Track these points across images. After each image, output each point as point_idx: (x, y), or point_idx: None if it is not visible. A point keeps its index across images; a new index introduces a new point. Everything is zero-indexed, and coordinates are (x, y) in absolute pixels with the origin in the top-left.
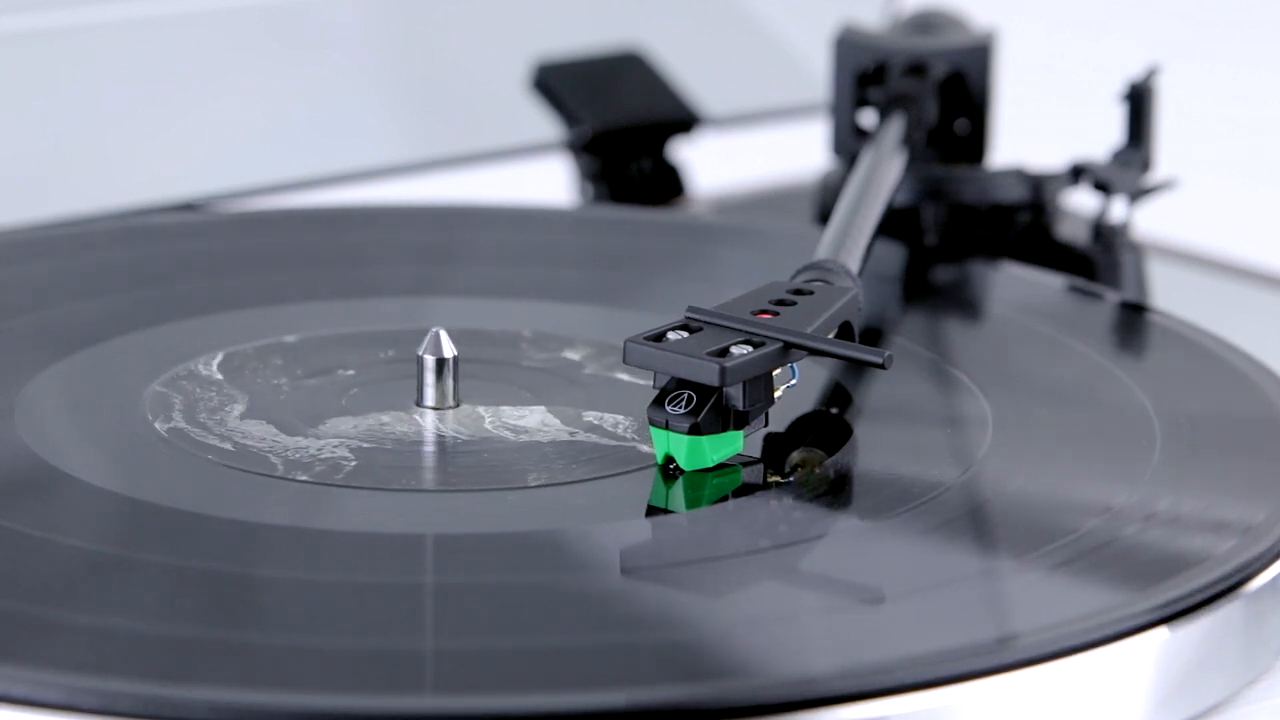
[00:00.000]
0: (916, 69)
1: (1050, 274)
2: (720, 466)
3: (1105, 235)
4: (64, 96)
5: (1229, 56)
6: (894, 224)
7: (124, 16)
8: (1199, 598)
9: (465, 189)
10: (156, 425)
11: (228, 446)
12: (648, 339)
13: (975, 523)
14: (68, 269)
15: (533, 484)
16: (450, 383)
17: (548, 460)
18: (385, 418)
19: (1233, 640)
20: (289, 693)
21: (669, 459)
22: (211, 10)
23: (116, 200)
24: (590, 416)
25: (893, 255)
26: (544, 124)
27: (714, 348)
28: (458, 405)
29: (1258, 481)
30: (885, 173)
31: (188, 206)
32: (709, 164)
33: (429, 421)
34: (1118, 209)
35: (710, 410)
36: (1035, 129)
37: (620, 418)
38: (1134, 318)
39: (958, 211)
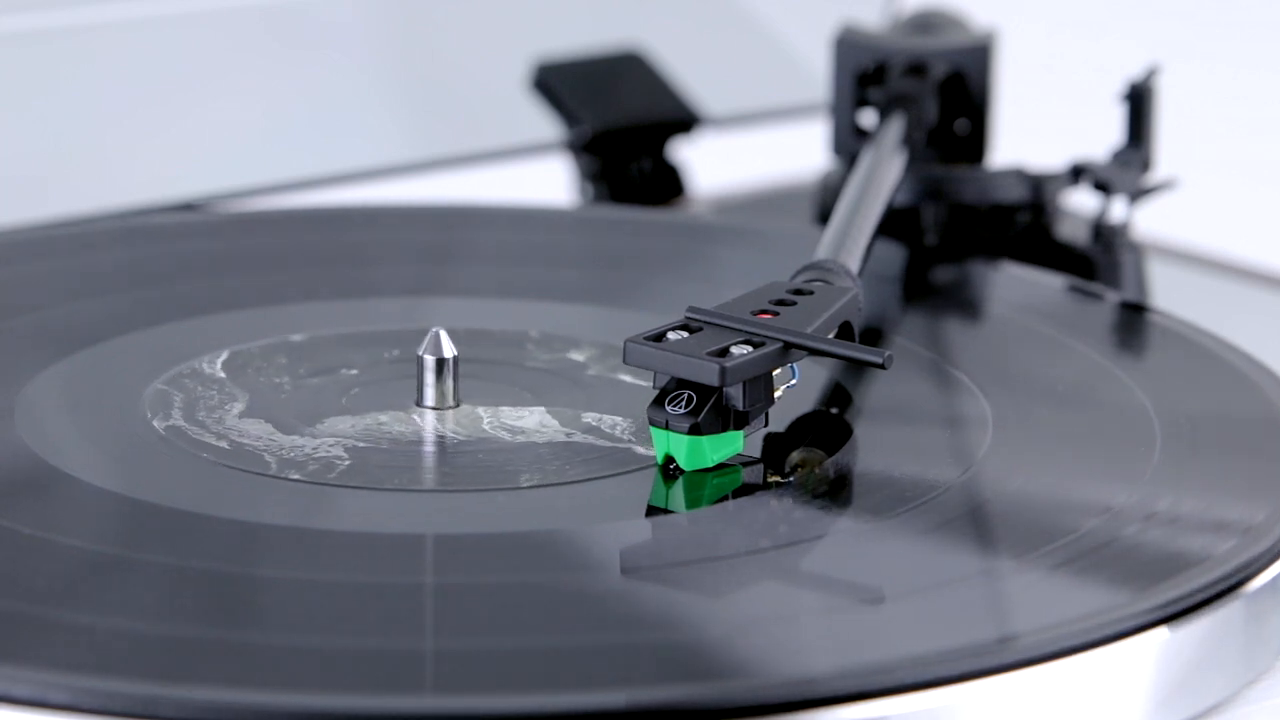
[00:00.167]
0: (916, 69)
1: (1050, 274)
2: (720, 466)
3: (1105, 235)
4: (64, 96)
5: (1229, 56)
6: (894, 224)
7: (124, 16)
8: (1199, 598)
9: (465, 189)
10: (155, 423)
11: (224, 445)
12: (648, 339)
13: (975, 523)
14: (68, 269)
15: (525, 485)
16: (450, 383)
17: (542, 461)
18: (384, 417)
19: (1233, 640)
20: (289, 693)
21: (669, 459)
22: (211, 10)
23: (116, 200)
24: (589, 418)
25: (893, 255)
26: (544, 124)
27: (714, 348)
28: (458, 405)
29: (1258, 481)
30: (885, 173)
31: (188, 206)
32: (709, 164)
33: (427, 421)
34: (1118, 209)
35: (710, 410)
36: (1035, 129)
37: (619, 419)
38: (1134, 318)
39: (958, 211)
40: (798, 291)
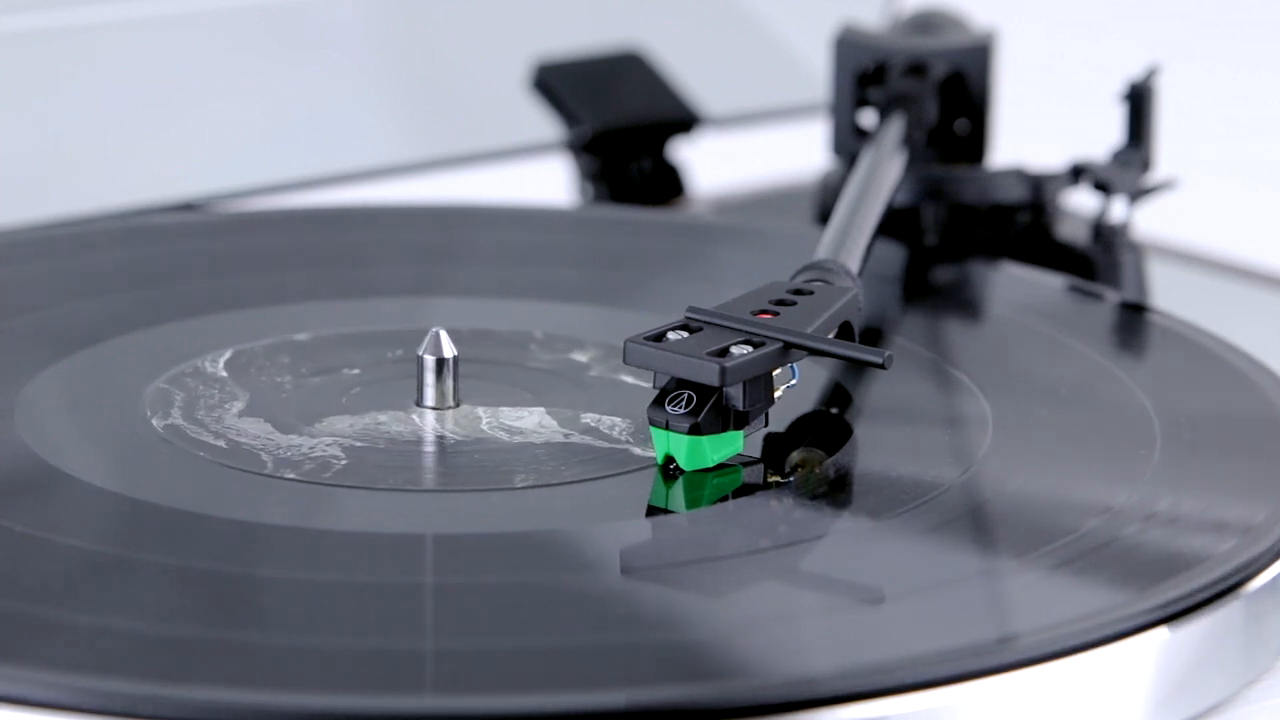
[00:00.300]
0: (916, 69)
1: (1050, 274)
2: (720, 466)
3: (1105, 235)
4: (64, 96)
5: (1229, 56)
6: (894, 224)
7: (124, 16)
8: (1199, 598)
9: (465, 189)
10: (154, 422)
11: (221, 444)
12: (648, 339)
13: (975, 523)
14: (68, 269)
15: (519, 485)
16: (450, 383)
17: (538, 462)
18: (383, 417)
19: (1233, 640)
20: (289, 693)
21: (669, 459)
22: (211, 10)
23: (116, 200)
24: (588, 419)
25: (893, 255)
26: (544, 124)
27: (714, 348)
28: (457, 405)
29: (1258, 481)
30: (885, 173)
31: (188, 206)
32: (709, 164)
33: (425, 421)
34: (1118, 209)
35: (710, 410)
36: (1035, 129)
37: (618, 420)
38: (1134, 318)
39: (958, 211)
40: (798, 291)
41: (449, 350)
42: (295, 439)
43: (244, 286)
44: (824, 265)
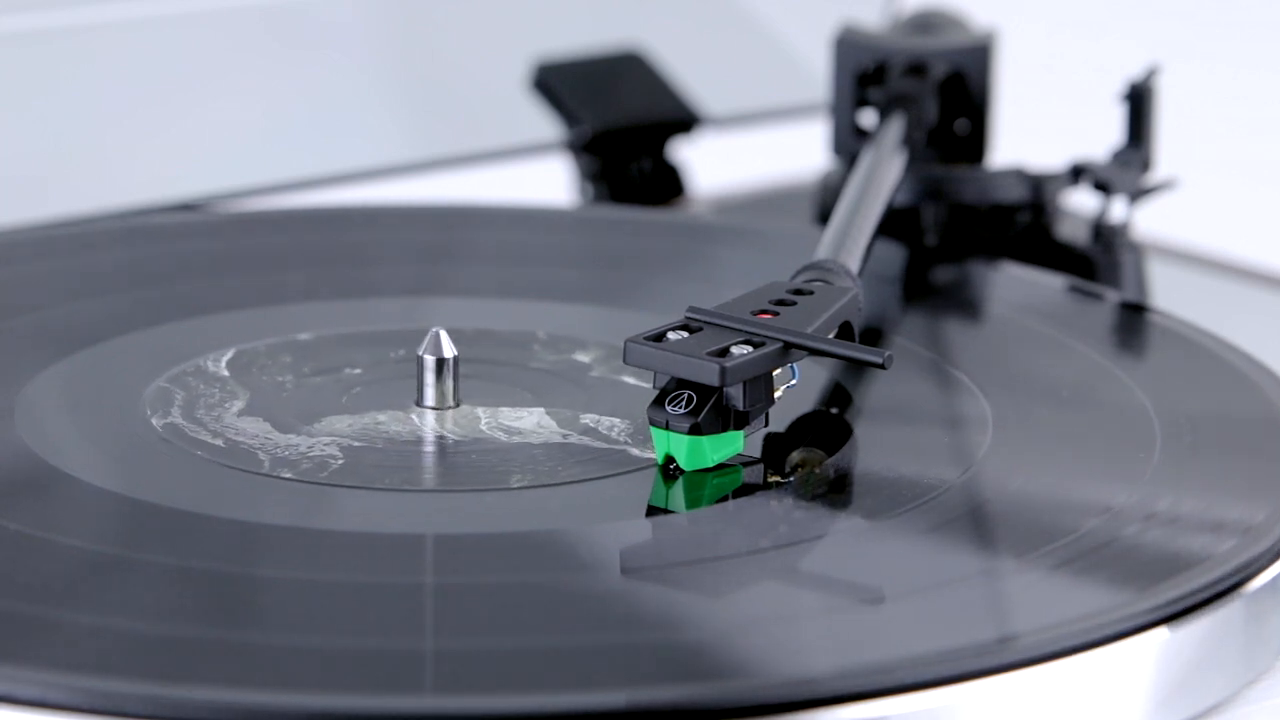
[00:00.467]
0: (916, 69)
1: (1050, 274)
2: (720, 466)
3: (1105, 235)
4: (64, 96)
5: (1229, 56)
6: (894, 224)
7: (124, 16)
8: (1199, 598)
9: (465, 189)
10: (153, 421)
11: (219, 443)
12: (648, 339)
13: (975, 523)
14: (68, 269)
15: (515, 485)
16: (450, 383)
17: (535, 462)
18: (382, 417)
19: (1233, 640)
20: (289, 693)
21: (669, 459)
22: (211, 10)
23: (116, 200)
24: (587, 419)
25: (893, 255)
26: (544, 124)
27: (714, 348)
28: (457, 405)
29: (1258, 481)
30: (885, 173)
31: (188, 206)
32: (709, 164)
33: (424, 421)
34: (1118, 209)
35: (710, 410)
36: (1035, 129)
37: (616, 421)
38: (1134, 318)
39: (958, 211)
40: (798, 291)
41: (449, 350)
42: (294, 438)
43: (244, 286)
44: (824, 265)
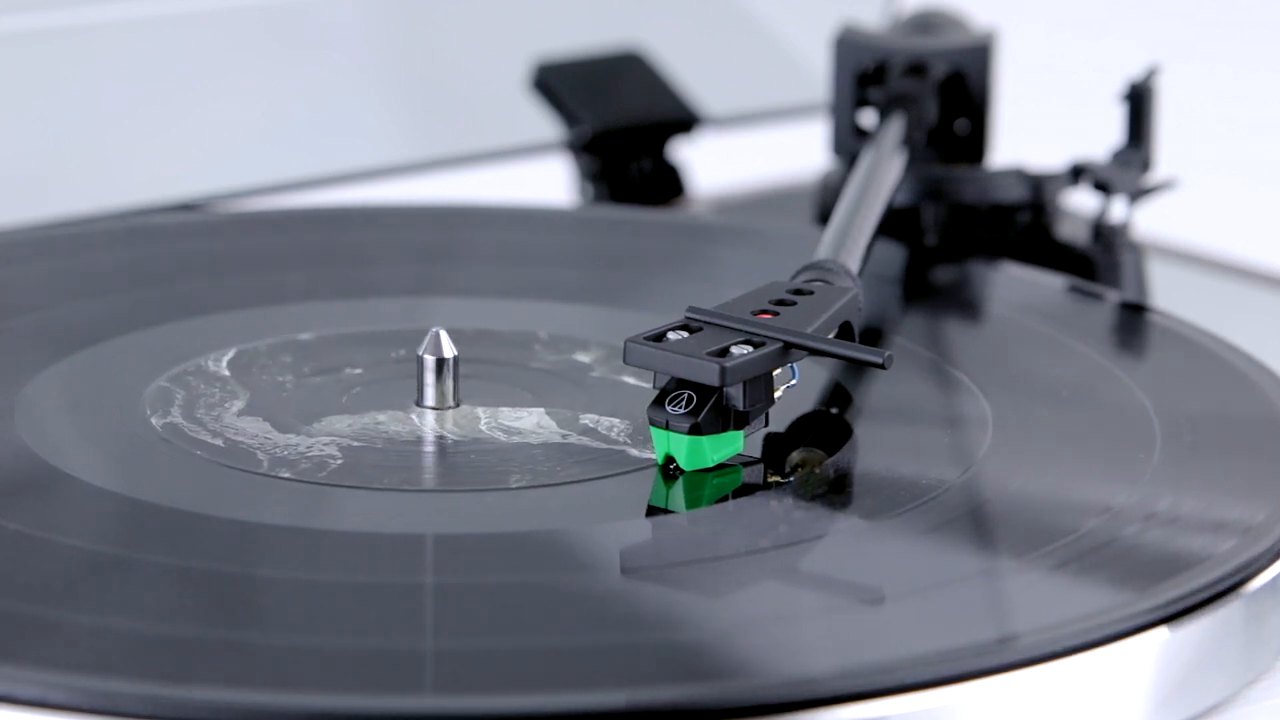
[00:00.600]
0: (916, 69)
1: (1050, 274)
2: (720, 466)
3: (1105, 235)
4: (64, 96)
5: (1229, 56)
6: (894, 224)
7: (124, 16)
8: (1199, 598)
9: (465, 189)
10: (153, 420)
11: (218, 443)
12: (648, 339)
13: (975, 523)
14: (68, 269)
15: (514, 485)
16: (450, 383)
17: (534, 462)
18: (382, 417)
19: (1233, 640)
20: (289, 693)
21: (669, 459)
22: (211, 10)
23: (116, 200)
24: (587, 419)
25: (893, 255)
26: (544, 124)
27: (714, 348)
28: (457, 405)
29: (1258, 481)
30: (885, 173)
31: (188, 206)
32: (709, 164)
33: (424, 421)
34: (1118, 209)
35: (710, 410)
36: (1035, 129)
37: (616, 421)
38: (1134, 318)
39: (958, 211)
40: (798, 291)
41: (449, 350)
42: (293, 438)
43: (244, 286)
44: (824, 265)
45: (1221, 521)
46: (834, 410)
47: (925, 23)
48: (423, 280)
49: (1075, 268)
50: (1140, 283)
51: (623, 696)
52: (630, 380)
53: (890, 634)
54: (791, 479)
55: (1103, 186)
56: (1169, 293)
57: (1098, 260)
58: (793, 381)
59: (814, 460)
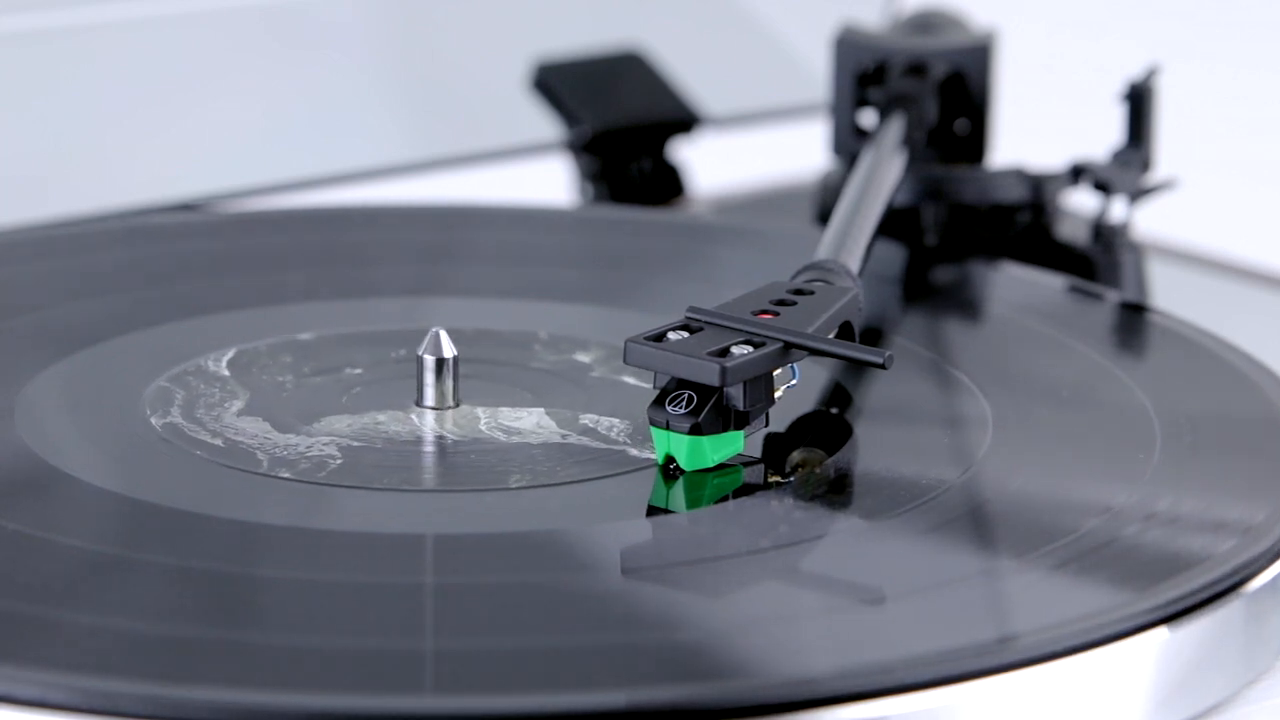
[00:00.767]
0: (916, 69)
1: (1050, 274)
2: (721, 466)
3: (1105, 235)
4: (64, 96)
5: (1229, 56)
6: (894, 224)
7: (124, 16)
8: (1199, 598)
9: (465, 189)
10: (153, 420)
11: (218, 443)
12: (648, 339)
13: (975, 523)
14: (68, 269)
15: (514, 485)
16: (450, 383)
17: (534, 462)
18: (382, 417)
19: (1233, 640)
20: (289, 693)
21: (669, 459)
22: (211, 10)
23: (116, 200)
24: (587, 419)
25: (893, 255)
26: (544, 124)
27: (714, 348)
28: (457, 405)
29: (1258, 481)
30: (885, 173)
31: (188, 206)
32: (709, 164)
33: (424, 421)
34: (1118, 209)
35: (711, 410)
36: (1035, 129)
37: (616, 421)
38: (1134, 318)
39: (958, 211)
40: (798, 291)
41: (449, 350)
42: (293, 438)
43: (244, 286)
44: (824, 265)
45: (1221, 521)
46: (834, 410)
47: (925, 23)
48: (423, 280)
49: (1075, 268)
50: (1140, 283)
51: (623, 696)
52: (630, 380)
53: (890, 634)
54: (792, 479)
55: (1103, 186)
56: (1169, 293)
57: (1098, 260)
58: (793, 381)
59: (814, 460)
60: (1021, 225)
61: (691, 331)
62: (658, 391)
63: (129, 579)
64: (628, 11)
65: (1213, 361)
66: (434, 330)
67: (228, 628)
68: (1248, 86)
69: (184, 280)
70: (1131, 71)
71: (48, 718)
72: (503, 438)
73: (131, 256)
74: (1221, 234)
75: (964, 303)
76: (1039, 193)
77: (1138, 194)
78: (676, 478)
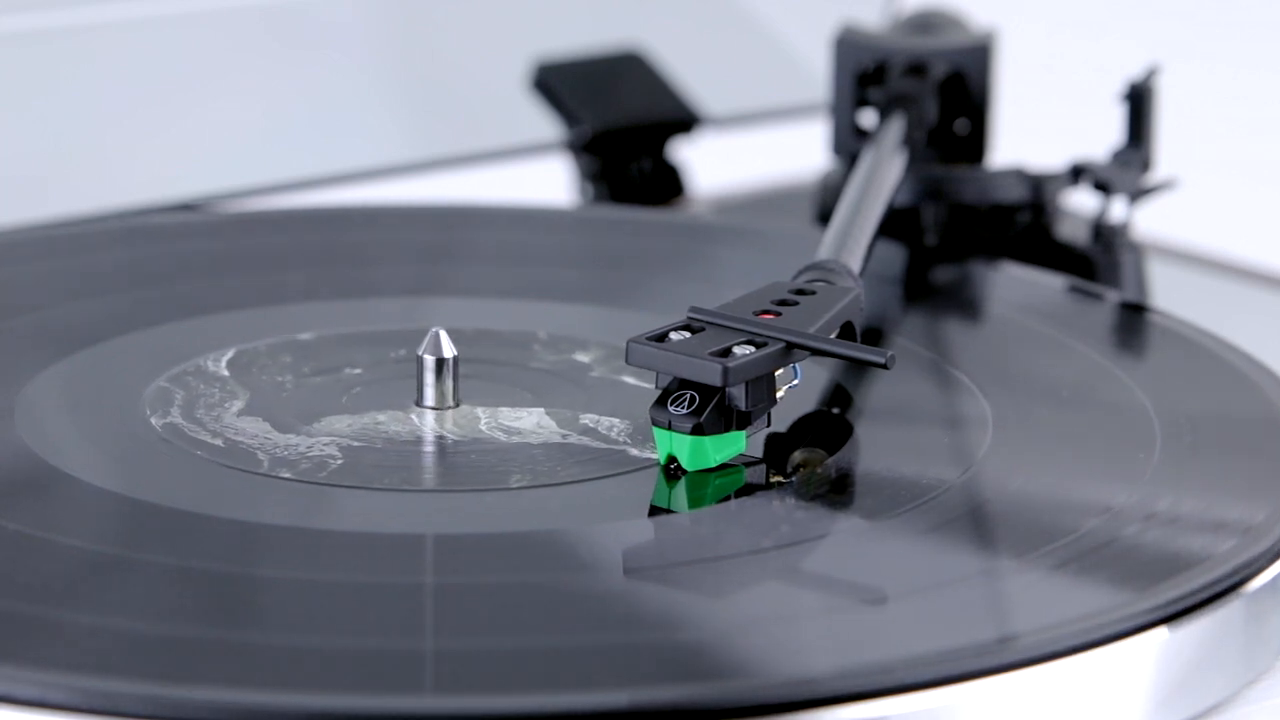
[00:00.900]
0: (916, 69)
1: (1050, 274)
2: (722, 467)
3: (1105, 235)
4: (64, 96)
5: (1229, 56)
6: (894, 224)
7: (124, 16)
8: (1199, 598)
9: (465, 189)
10: (153, 420)
11: (218, 443)
12: (650, 339)
13: (975, 523)
14: (68, 269)
15: (514, 485)
16: (450, 383)
17: (534, 462)
18: (382, 417)
19: (1233, 640)
20: (289, 693)
21: (672, 459)
22: (211, 10)
23: (116, 200)
24: (587, 419)
25: (893, 255)
26: (544, 124)
27: (716, 348)
28: (457, 405)
29: (1258, 481)
30: (885, 173)
31: (188, 206)
32: (709, 164)
33: (424, 421)
34: (1118, 209)
35: (713, 410)
36: (1035, 129)
37: (616, 421)
38: (1134, 318)
39: (958, 211)
40: (800, 291)
41: (449, 350)
42: (293, 438)
43: (244, 286)
44: (826, 265)
45: (1221, 521)
46: (835, 410)
47: (925, 23)
48: (423, 280)
49: (1075, 268)
50: (1140, 283)
51: (624, 696)
52: (630, 380)
53: (890, 634)
54: (793, 479)
55: (1103, 186)
56: (1169, 293)
57: (1098, 260)
58: (795, 381)
59: (815, 460)
60: (1021, 225)
61: (693, 332)
62: (660, 392)
63: (129, 579)
64: (628, 11)
65: (1213, 361)
66: (434, 330)
67: (228, 628)
68: (1248, 86)
69: (184, 280)
70: (1131, 71)
71: (48, 718)
72: (503, 438)
73: (131, 256)
74: (1221, 234)
75: (964, 303)
76: (1039, 193)
77: (1138, 194)
78: (678, 478)
